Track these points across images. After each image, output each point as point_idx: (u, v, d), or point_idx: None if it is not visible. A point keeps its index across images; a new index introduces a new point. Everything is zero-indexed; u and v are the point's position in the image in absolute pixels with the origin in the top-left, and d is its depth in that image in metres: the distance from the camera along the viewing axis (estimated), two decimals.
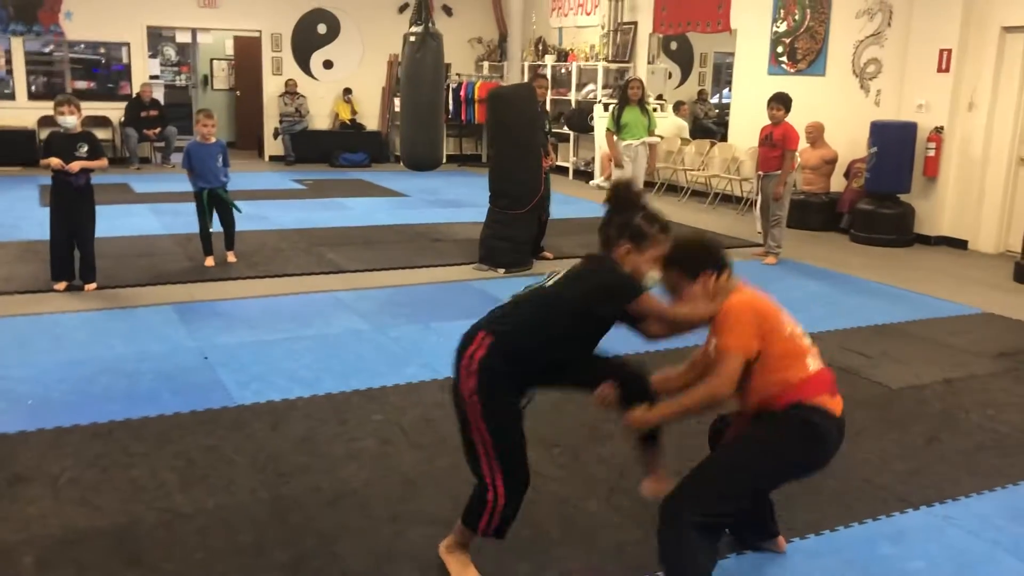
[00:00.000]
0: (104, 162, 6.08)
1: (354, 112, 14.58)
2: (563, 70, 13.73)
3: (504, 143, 7.23)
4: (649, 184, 9.84)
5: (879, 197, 8.73)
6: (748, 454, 2.63)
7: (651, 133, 8.72)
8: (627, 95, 8.60)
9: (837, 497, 3.42)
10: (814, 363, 2.66)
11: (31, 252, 7.15)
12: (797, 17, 10.12)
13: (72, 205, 5.95)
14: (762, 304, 2.67)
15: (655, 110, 10.08)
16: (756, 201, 8.14)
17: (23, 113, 12.79)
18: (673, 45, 13.69)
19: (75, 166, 5.82)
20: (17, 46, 12.76)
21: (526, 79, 12.35)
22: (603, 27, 13.17)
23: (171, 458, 3.57)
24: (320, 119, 14.56)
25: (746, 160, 10.61)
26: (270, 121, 14.27)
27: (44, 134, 12.59)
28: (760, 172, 7.79)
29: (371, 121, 14.86)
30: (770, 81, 10.26)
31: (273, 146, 14.33)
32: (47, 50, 13.29)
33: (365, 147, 14.37)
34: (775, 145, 7.56)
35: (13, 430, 3.78)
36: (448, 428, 3.98)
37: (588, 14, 13.72)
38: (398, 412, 4.16)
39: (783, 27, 10.32)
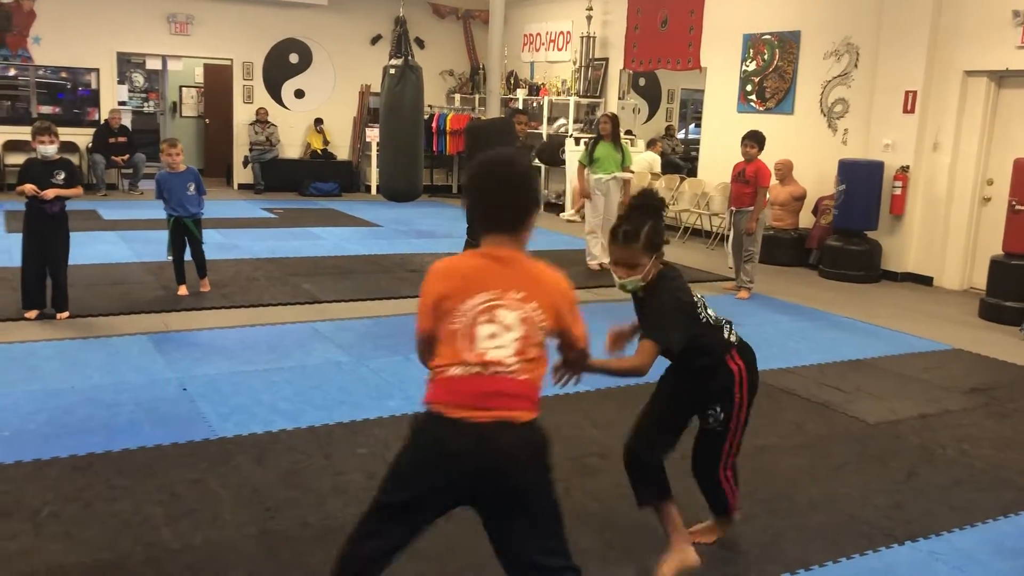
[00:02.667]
0: (79, 190, 6.00)
1: (326, 142, 14.58)
2: (534, 104, 13.88)
3: None
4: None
5: (847, 234, 8.91)
6: None
7: (625, 169, 8.82)
8: (600, 130, 8.73)
9: (823, 532, 3.45)
10: (459, 368, 2.18)
11: None
12: (766, 57, 10.35)
13: (46, 232, 5.86)
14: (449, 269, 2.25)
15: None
16: (728, 236, 8.26)
17: None
18: (642, 81, 13.91)
19: (49, 193, 5.75)
20: None
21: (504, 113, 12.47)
22: (575, 62, 13.35)
23: (155, 491, 3.51)
24: (291, 148, 14.54)
25: (715, 195, 10.78)
26: (240, 149, 14.21)
27: (9, 159, 12.46)
28: (732, 208, 7.91)
29: (342, 151, 14.86)
30: (739, 119, 10.46)
31: (242, 174, 14.26)
32: (11, 74, 13.14)
33: (336, 177, 14.35)
34: (748, 182, 7.68)
35: None
36: None
37: (560, 50, 13.92)
38: (383, 446, 4.13)
39: (752, 66, 10.55)
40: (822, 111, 9.73)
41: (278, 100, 14.40)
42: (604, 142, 8.69)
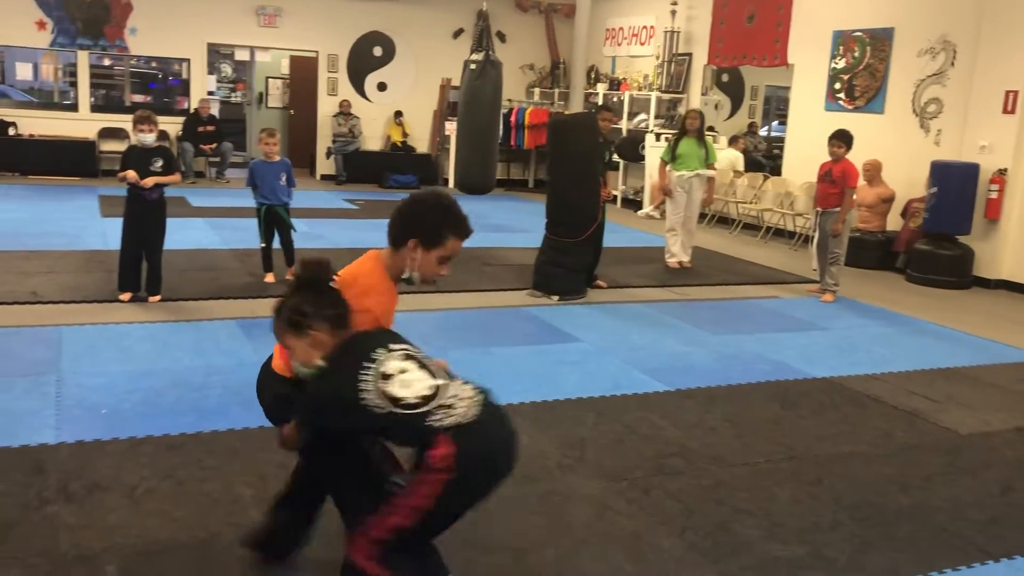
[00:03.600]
0: (177, 177, 6.21)
1: (405, 134, 14.74)
2: (615, 99, 13.78)
3: (564, 171, 7.25)
4: (701, 216, 9.82)
5: (937, 238, 8.62)
6: None
7: (709, 166, 8.71)
8: (685, 126, 8.64)
9: (913, 543, 3.36)
10: None
11: (94, 262, 7.30)
12: (857, 54, 10.08)
13: (145, 217, 6.07)
14: None
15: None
16: (813, 237, 8.07)
17: (84, 125, 13.10)
18: (725, 77, 13.70)
19: (149, 182, 5.96)
20: (83, 60, 13.09)
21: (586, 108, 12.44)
22: (657, 57, 13.22)
23: (244, 473, 3.60)
24: (372, 140, 14.74)
25: (800, 195, 10.55)
26: (323, 140, 14.48)
27: (104, 146, 12.93)
28: (818, 208, 7.73)
29: (421, 144, 15.01)
30: (827, 117, 10.21)
31: (325, 165, 14.53)
32: (107, 64, 13.63)
33: (415, 169, 14.50)
34: (835, 182, 7.50)
35: (89, 438, 3.85)
36: None
37: (642, 44, 13.79)
38: None
39: (842, 63, 10.28)
40: (914, 111, 9.43)
41: (361, 92, 14.61)
42: (688, 138, 8.59)
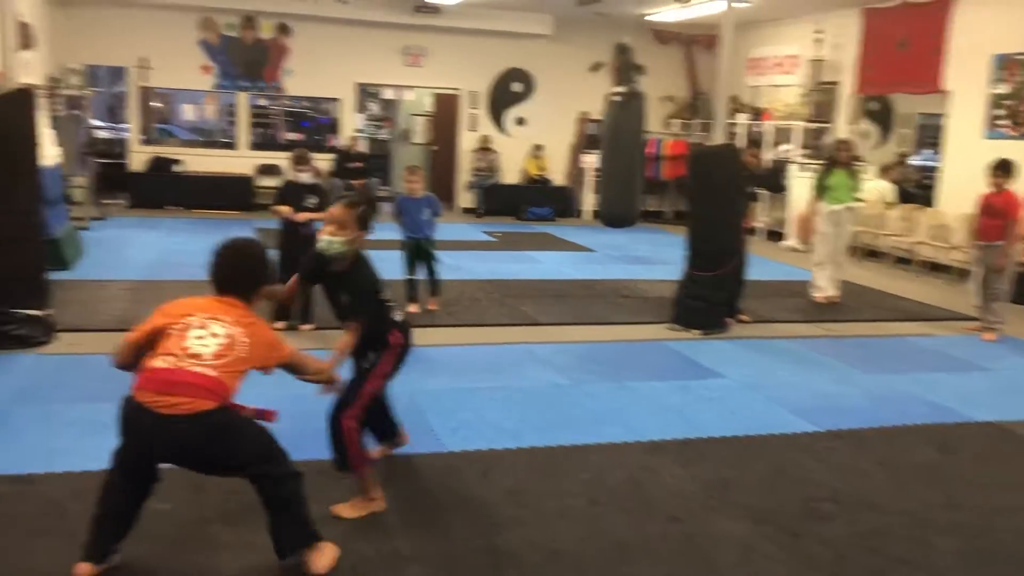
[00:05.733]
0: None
1: (542, 168, 14.91)
2: (755, 128, 13.51)
3: (705, 203, 7.16)
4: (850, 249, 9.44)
5: None
6: None
7: (855, 198, 8.41)
8: (835, 157, 8.36)
9: None
10: (164, 361, 2.97)
11: None
12: (1021, 79, 9.52)
13: (298, 250, 6.34)
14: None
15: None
16: (973, 272, 7.63)
17: (243, 161, 13.91)
18: (873, 105, 13.19)
19: (301, 217, 6.27)
20: (242, 101, 13.93)
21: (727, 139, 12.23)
22: (802, 87, 12.89)
23: (390, 499, 3.68)
24: (510, 174, 14.98)
25: (956, 227, 10.00)
26: (463, 175, 14.82)
27: (260, 181, 13.67)
28: (980, 242, 7.32)
29: (558, 176, 15.13)
30: (987, 145, 9.68)
31: (464, 198, 14.85)
32: (263, 104, 14.44)
33: (551, 202, 14.64)
34: (997, 214, 7.10)
35: None
36: (655, 493, 3.93)
37: (786, 73, 13.48)
38: (603, 472, 4.14)
39: (1004, 88, 9.74)
40: None
41: (500, 127, 14.90)
42: (838, 170, 8.31)
